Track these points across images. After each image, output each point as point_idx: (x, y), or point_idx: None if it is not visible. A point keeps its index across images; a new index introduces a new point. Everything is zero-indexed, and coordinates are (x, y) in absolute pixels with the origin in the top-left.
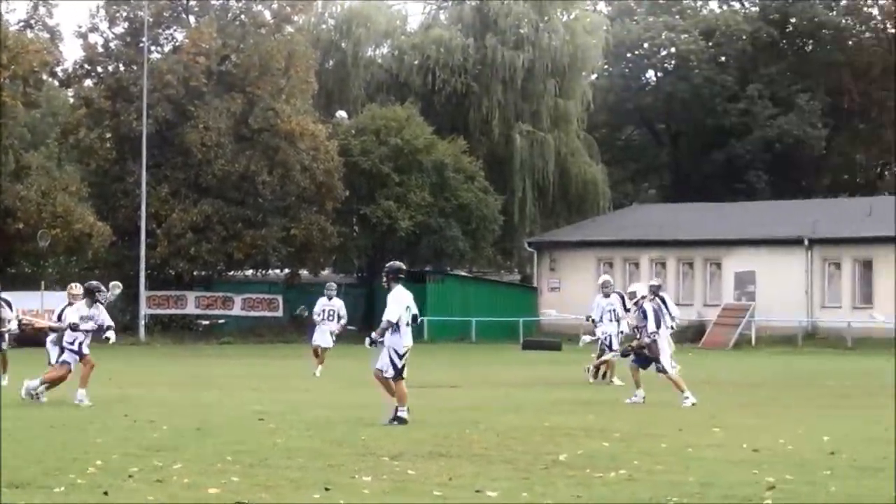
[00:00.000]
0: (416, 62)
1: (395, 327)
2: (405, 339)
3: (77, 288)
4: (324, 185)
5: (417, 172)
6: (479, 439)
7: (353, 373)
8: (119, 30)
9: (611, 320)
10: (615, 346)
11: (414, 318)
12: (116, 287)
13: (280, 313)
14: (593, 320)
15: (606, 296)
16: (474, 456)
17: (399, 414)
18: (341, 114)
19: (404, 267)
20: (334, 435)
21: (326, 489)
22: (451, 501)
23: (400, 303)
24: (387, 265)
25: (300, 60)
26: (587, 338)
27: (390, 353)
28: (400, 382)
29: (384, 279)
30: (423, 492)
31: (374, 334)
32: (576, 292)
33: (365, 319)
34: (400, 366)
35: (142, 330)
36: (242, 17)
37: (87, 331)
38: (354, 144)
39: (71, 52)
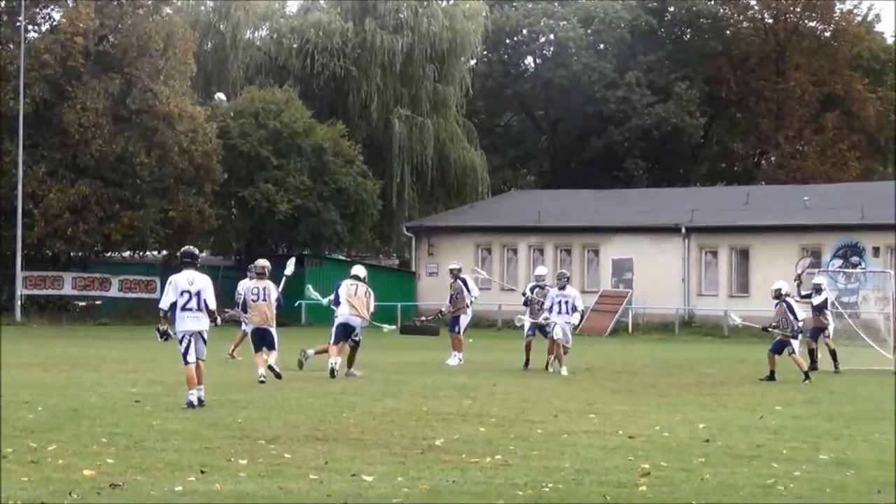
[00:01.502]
0: (295, 45)
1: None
2: (179, 324)
3: None
4: (202, 168)
5: (296, 156)
6: (356, 423)
7: (226, 355)
8: None
9: (559, 312)
10: (559, 335)
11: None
12: None
13: (157, 295)
14: (542, 306)
15: (562, 287)
16: (351, 440)
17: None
18: (220, 96)
19: (195, 252)
20: (211, 417)
21: (202, 472)
22: (327, 485)
23: (176, 288)
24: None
25: (179, 42)
26: (525, 319)
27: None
28: (187, 367)
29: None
30: (299, 475)
31: (160, 326)
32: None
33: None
34: (182, 349)
35: (18, 311)
36: None
37: None
38: (233, 127)
39: None
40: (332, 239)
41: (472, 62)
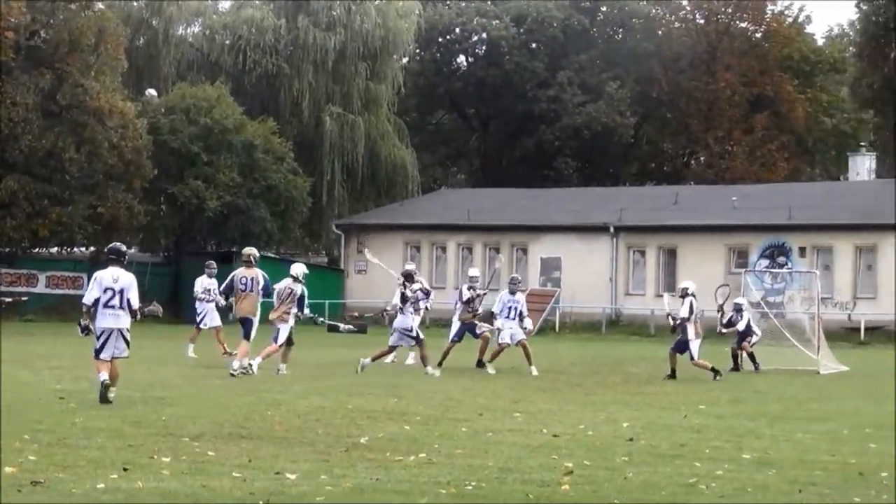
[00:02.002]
0: (227, 42)
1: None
2: (99, 320)
3: None
4: (132, 164)
5: (227, 152)
6: (281, 421)
7: (155, 353)
8: None
9: (507, 317)
10: (507, 339)
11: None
12: None
13: (84, 291)
14: (493, 313)
15: (512, 293)
16: (275, 438)
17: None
18: (151, 92)
19: (122, 248)
20: (135, 415)
21: (125, 469)
22: (250, 483)
23: (101, 285)
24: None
25: (110, 37)
26: (485, 327)
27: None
28: (98, 362)
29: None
30: (222, 473)
31: (81, 321)
32: (382, 275)
33: (171, 299)
34: (97, 345)
35: None
36: None
37: None
38: (164, 123)
39: None
40: (262, 236)
41: (405, 60)
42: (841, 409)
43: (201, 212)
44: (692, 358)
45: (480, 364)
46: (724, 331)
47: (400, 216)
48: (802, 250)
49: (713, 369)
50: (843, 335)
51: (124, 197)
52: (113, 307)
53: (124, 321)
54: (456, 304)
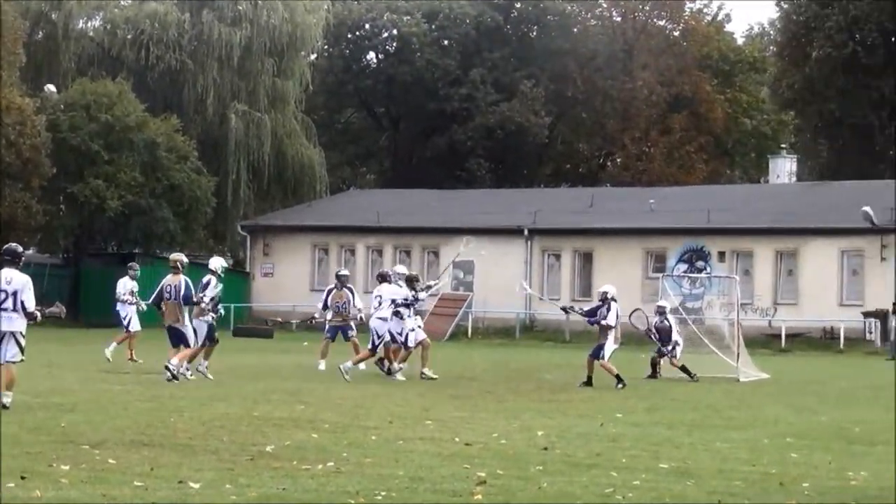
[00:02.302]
0: (129, 36)
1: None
2: None
3: None
4: (30, 162)
5: (128, 151)
6: (184, 428)
7: (55, 357)
8: None
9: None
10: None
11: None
12: None
13: None
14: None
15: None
16: (178, 445)
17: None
18: (50, 88)
19: (17, 249)
20: (33, 421)
21: (22, 478)
22: (152, 492)
23: None
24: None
25: (8, 31)
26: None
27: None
28: None
29: None
30: (123, 481)
31: None
32: (290, 278)
33: (71, 301)
34: None
35: None
36: None
37: None
38: (63, 120)
39: None
40: (165, 237)
41: (313, 57)
42: (761, 418)
43: (102, 212)
44: (601, 357)
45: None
46: (666, 350)
47: (307, 217)
48: (722, 255)
49: (618, 376)
50: (763, 342)
51: (22, 196)
52: (6, 310)
53: (18, 324)
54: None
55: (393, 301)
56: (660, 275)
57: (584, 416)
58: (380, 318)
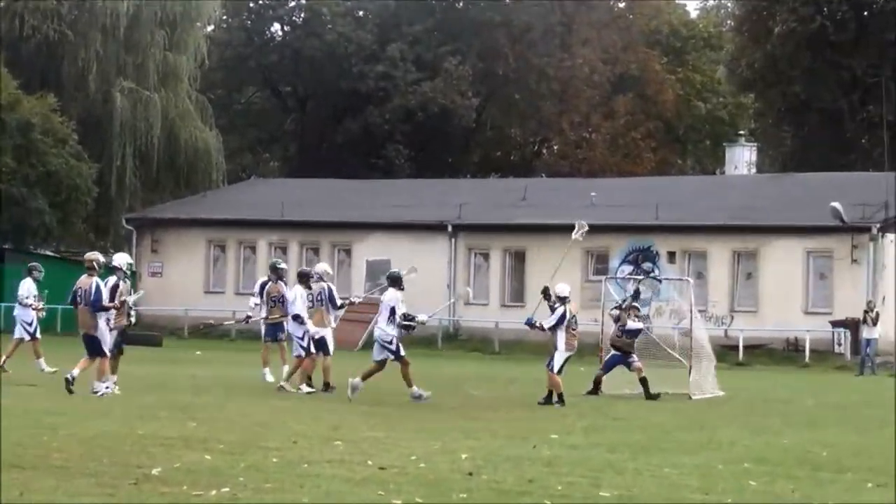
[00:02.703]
0: (1, 4)
1: None
2: None
3: None
4: None
5: None
6: (60, 448)
7: None
8: None
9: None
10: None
11: None
12: None
13: None
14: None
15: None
16: (53, 468)
17: None
18: None
19: None
20: None
21: None
22: None
23: None
24: None
25: None
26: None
27: None
28: None
29: None
30: None
31: None
32: (181, 279)
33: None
34: None
35: None
36: None
37: None
38: None
39: None
40: (39, 231)
41: (210, 28)
42: (715, 440)
43: None
44: (551, 368)
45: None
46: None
47: (202, 210)
48: (672, 255)
49: (560, 396)
50: (718, 354)
51: None
52: None
53: None
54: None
55: (392, 310)
56: (601, 277)
57: (515, 438)
58: (380, 329)
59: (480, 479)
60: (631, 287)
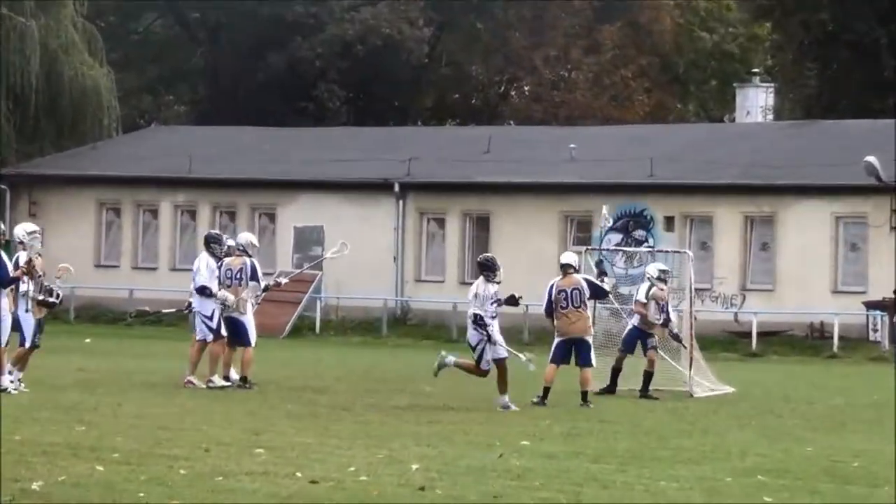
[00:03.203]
0: None
1: None
2: None
3: None
4: None
5: None
6: None
7: None
8: None
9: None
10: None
11: None
12: None
13: None
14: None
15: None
16: None
17: None
18: None
19: None
20: None
21: None
22: None
23: None
24: None
25: None
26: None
27: None
28: None
29: None
30: None
31: None
32: (66, 249)
33: None
34: None
35: None
36: None
37: None
38: None
39: None
40: None
41: None
42: (723, 448)
43: None
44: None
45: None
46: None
47: (91, 165)
48: (669, 221)
49: (546, 392)
50: (727, 342)
51: None
52: None
53: None
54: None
55: (476, 296)
56: (583, 248)
57: (478, 445)
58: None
59: (435, 495)
60: (620, 261)
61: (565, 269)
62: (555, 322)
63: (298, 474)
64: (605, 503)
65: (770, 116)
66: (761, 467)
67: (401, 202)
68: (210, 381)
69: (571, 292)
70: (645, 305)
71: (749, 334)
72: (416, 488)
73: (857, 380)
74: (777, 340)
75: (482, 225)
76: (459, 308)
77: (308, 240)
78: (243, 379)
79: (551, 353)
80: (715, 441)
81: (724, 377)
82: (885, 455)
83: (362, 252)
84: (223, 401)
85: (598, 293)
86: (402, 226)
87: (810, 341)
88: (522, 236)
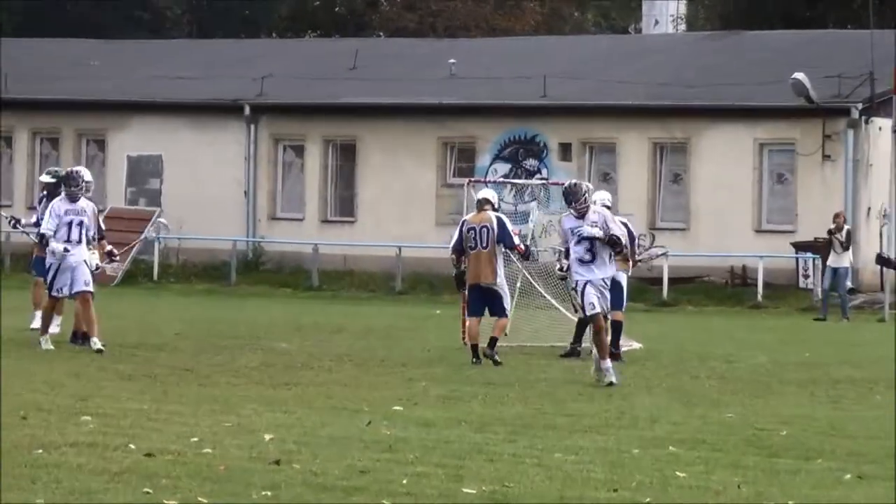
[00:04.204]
0: None
1: None
2: None
3: None
4: None
5: None
6: None
7: None
8: None
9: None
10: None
11: None
12: None
13: None
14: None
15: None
16: None
17: None
18: None
19: None
20: None
21: None
22: None
23: None
24: None
25: None
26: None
27: None
28: None
29: None
30: None
31: None
32: None
33: None
34: None
35: None
36: None
37: None
38: None
39: None
40: None
41: None
42: (629, 414)
43: None
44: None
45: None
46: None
47: None
48: (565, 149)
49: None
50: (634, 290)
51: None
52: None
53: None
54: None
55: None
56: (465, 180)
57: (342, 410)
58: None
59: (291, 470)
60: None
61: (480, 204)
62: (463, 266)
63: (132, 446)
64: (492, 479)
65: (682, 27)
66: (673, 437)
67: (252, 127)
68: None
69: (480, 230)
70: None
71: (659, 280)
72: (269, 462)
73: (785, 334)
74: (692, 288)
75: (347, 153)
76: (322, 250)
77: (144, 171)
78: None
79: (468, 306)
80: (620, 406)
81: (631, 331)
82: (816, 422)
83: (208, 185)
84: (43, 361)
85: (504, 238)
86: (254, 154)
87: (730, 289)
88: (394, 166)
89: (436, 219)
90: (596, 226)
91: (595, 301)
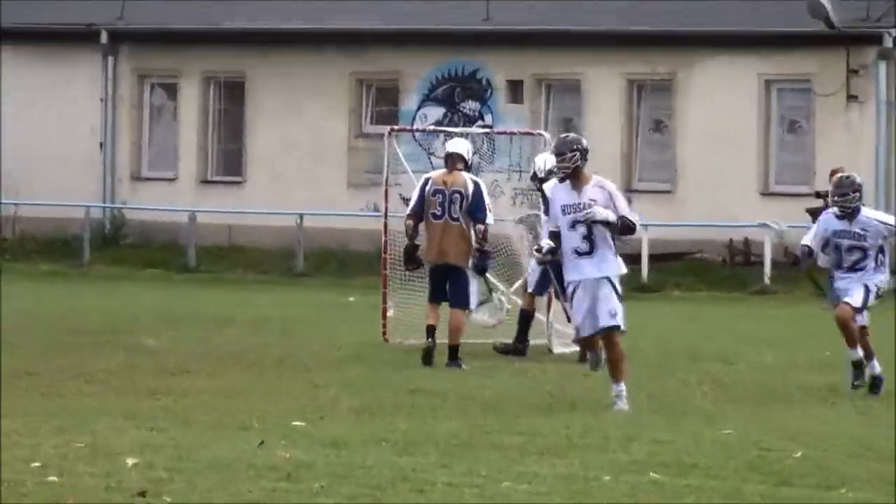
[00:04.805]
0: None
1: None
2: None
3: None
4: None
5: None
6: None
7: None
8: None
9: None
10: None
11: None
12: None
13: None
14: None
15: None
16: None
17: None
18: None
19: None
20: None
21: None
22: None
23: None
24: None
25: None
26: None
27: None
28: None
29: None
30: None
31: None
32: None
33: None
34: None
35: None
36: None
37: None
38: None
39: None
40: None
41: None
42: (597, 431)
43: None
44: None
45: None
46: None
47: None
48: (515, 87)
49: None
50: None
51: None
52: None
53: None
54: None
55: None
56: (386, 129)
57: (227, 427)
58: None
59: (161, 502)
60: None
61: (451, 160)
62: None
63: None
64: None
65: None
66: (655, 460)
67: (110, 60)
68: None
69: (451, 195)
70: None
71: (637, 258)
72: (132, 494)
73: (798, 326)
74: (679, 267)
75: (234, 94)
76: (200, 219)
77: None
78: None
79: (430, 289)
80: (586, 421)
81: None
82: (839, 440)
83: (53, 136)
84: None
85: (477, 212)
86: (113, 95)
87: (729, 268)
88: (293, 109)
89: (348, 179)
90: (596, 203)
91: (582, 324)
